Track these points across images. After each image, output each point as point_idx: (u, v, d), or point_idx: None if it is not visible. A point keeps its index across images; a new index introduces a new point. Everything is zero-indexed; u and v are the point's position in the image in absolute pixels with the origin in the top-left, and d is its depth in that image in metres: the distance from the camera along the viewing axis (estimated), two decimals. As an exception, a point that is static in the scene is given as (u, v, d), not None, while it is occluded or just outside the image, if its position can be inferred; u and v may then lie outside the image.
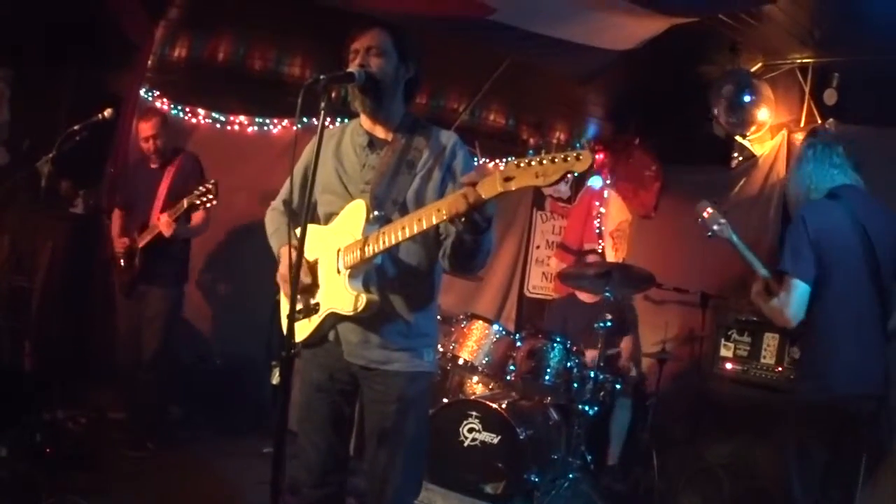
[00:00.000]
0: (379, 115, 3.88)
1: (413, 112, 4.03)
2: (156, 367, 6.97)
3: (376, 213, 3.65)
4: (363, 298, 3.61)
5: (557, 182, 3.02)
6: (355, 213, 3.70)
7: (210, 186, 6.55)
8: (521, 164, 3.03)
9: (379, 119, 3.90)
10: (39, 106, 7.39)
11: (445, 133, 3.96)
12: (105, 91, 7.52)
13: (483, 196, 3.15)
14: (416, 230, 3.41)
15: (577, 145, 2.72)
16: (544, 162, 2.98)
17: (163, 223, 6.66)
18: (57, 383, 6.87)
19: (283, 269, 3.93)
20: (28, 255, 7.28)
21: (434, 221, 3.35)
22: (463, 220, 3.27)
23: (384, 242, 3.51)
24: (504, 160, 9.68)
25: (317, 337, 3.86)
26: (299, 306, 3.49)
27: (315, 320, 3.80)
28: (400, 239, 3.46)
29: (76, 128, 5.87)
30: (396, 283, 3.78)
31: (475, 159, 9.03)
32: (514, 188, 3.07)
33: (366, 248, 3.57)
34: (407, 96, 3.98)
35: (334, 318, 3.77)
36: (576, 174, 2.98)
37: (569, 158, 2.92)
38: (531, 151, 3.06)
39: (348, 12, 6.48)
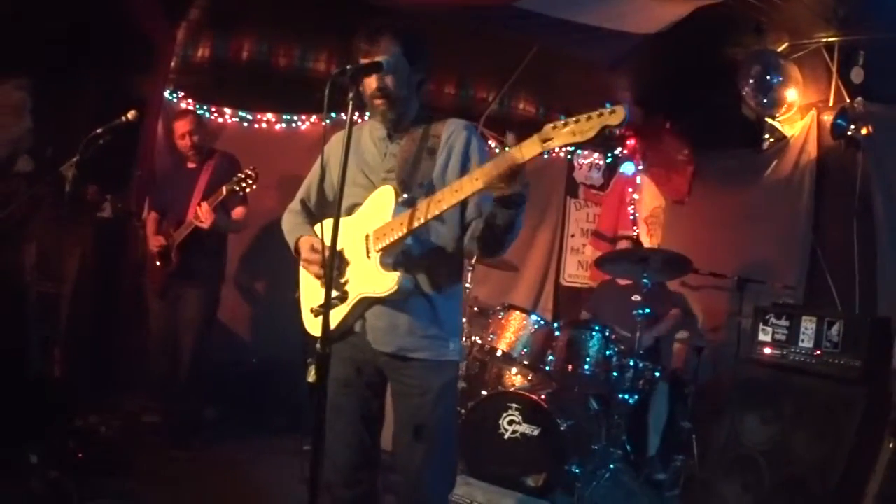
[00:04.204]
0: (400, 120, 3.96)
1: (426, 104, 4.12)
2: (194, 370, 6.96)
3: (405, 196, 3.71)
4: (397, 277, 3.62)
5: (595, 138, 3.06)
6: (384, 198, 3.75)
7: (250, 172, 6.55)
8: (557, 126, 3.12)
9: (398, 118, 3.96)
10: (62, 112, 7.34)
11: (459, 121, 4.03)
12: (128, 94, 7.48)
13: (525, 156, 3.22)
14: (453, 201, 3.47)
15: (608, 104, 2.74)
16: (580, 120, 3.07)
17: (202, 211, 6.62)
18: (88, 389, 6.87)
19: (306, 255, 3.95)
20: (55, 262, 7.25)
21: (473, 189, 3.39)
22: (501, 185, 3.32)
23: (420, 218, 3.54)
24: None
25: (344, 328, 3.85)
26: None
27: (343, 309, 3.79)
28: (437, 213, 3.51)
29: (99, 131, 5.81)
30: (423, 265, 3.82)
31: (507, 149, 9.00)
32: (554, 146, 3.17)
33: (404, 227, 3.60)
34: (418, 88, 4.04)
35: (365, 304, 3.78)
36: (615, 128, 3.06)
37: (603, 114, 3.02)
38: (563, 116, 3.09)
39: (371, 5, 6.46)
